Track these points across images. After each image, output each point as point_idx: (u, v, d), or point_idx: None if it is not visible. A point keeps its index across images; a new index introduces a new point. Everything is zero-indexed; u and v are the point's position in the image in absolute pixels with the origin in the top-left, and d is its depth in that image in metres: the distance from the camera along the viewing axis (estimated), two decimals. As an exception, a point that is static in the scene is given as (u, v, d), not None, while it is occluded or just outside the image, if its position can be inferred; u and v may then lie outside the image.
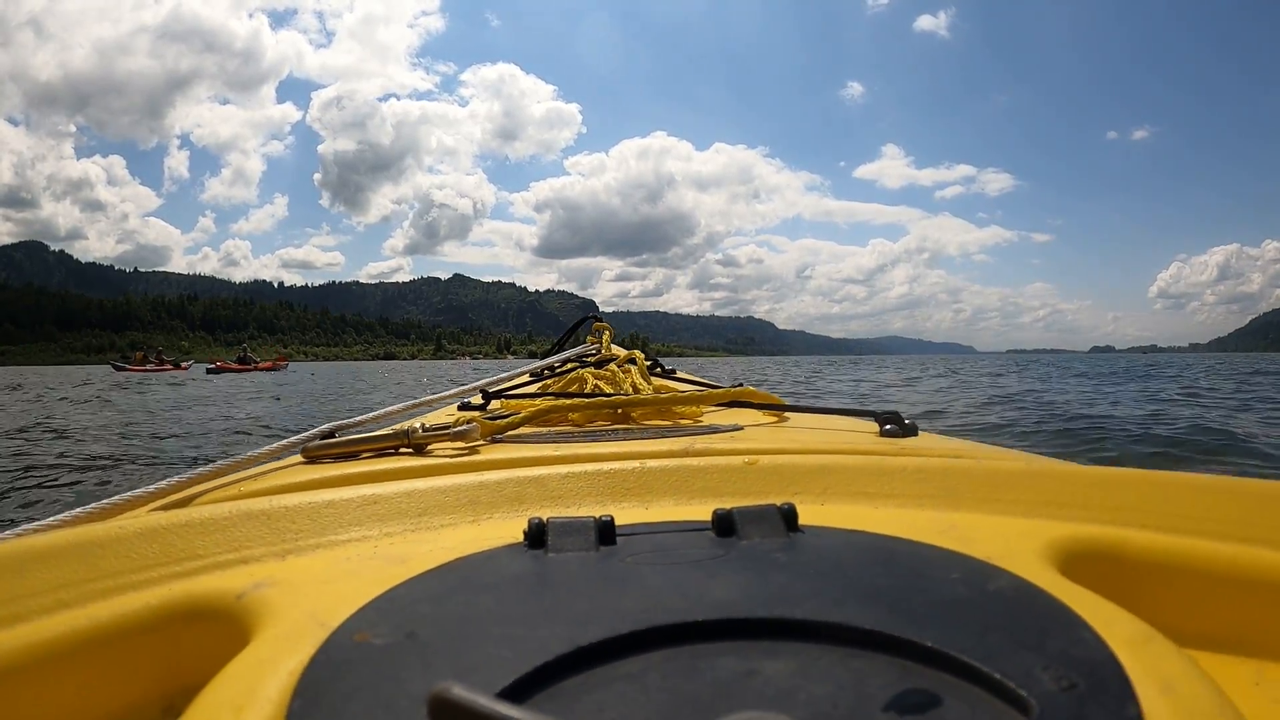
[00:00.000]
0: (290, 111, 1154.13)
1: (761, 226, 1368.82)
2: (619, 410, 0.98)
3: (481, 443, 0.79)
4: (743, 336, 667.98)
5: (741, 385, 1.07)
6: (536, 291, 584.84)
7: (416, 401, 1.13)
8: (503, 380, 1.36)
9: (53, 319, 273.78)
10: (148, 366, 39.77)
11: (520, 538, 0.36)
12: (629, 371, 1.34)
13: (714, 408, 1.05)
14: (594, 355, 1.82)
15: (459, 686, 0.20)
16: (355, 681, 0.24)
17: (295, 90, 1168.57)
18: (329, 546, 0.40)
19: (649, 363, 1.58)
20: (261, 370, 38.11)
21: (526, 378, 1.53)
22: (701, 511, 0.41)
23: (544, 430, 0.92)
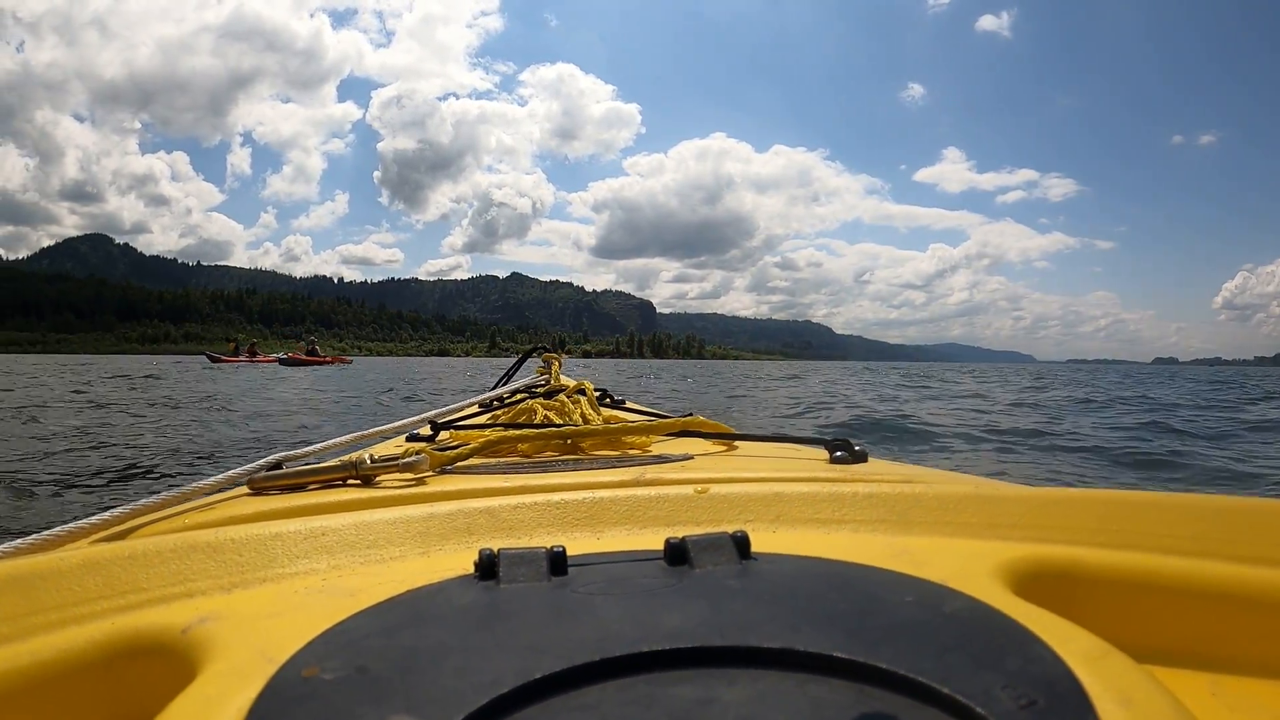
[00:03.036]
0: (351, 110, 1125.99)
1: (820, 230, 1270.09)
2: (569, 441, 0.98)
3: (430, 474, 0.78)
4: (800, 340, 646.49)
5: (691, 415, 1.08)
6: (594, 291, 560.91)
7: (364, 433, 1.12)
8: (451, 411, 1.35)
9: (113, 310, 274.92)
10: (240, 359, 43.37)
11: (471, 569, 0.36)
12: (578, 402, 1.34)
13: (664, 437, 1.06)
14: (543, 386, 1.82)
15: None
16: (304, 717, 0.24)
17: (356, 89, 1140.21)
18: (276, 580, 0.40)
19: (598, 393, 1.57)
20: (327, 364, 41.01)
21: (475, 409, 1.52)
22: (653, 541, 0.41)
23: (494, 461, 0.92)
